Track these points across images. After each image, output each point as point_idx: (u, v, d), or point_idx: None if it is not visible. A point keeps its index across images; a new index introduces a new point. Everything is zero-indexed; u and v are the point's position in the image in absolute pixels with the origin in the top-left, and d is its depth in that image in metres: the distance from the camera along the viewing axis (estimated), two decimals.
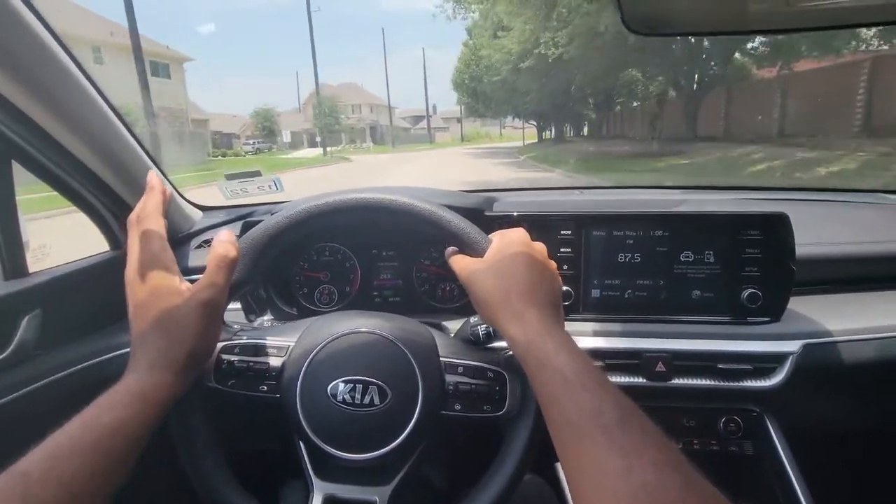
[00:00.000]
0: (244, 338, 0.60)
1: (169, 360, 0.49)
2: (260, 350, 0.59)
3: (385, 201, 0.61)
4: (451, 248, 0.62)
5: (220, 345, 0.58)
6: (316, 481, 0.56)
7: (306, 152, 33.46)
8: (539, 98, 21.17)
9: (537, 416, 0.56)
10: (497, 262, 0.55)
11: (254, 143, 36.85)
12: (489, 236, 0.59)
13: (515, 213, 0.86)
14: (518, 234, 0.57)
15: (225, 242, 0.55)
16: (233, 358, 0.58)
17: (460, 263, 0.59)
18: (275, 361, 0.58)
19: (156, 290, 0.51)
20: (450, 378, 0.58)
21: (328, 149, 31.57)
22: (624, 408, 0.41)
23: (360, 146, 41.12)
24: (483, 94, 30.58)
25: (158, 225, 0.55)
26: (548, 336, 0.48)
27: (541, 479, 0.83)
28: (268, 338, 0.60)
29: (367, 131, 50.22)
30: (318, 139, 37.58)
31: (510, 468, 0.55)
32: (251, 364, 0.58)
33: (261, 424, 0.66)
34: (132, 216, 0.56)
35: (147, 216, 0.56)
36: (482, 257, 0.57)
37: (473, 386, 0.57)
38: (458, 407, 0.57)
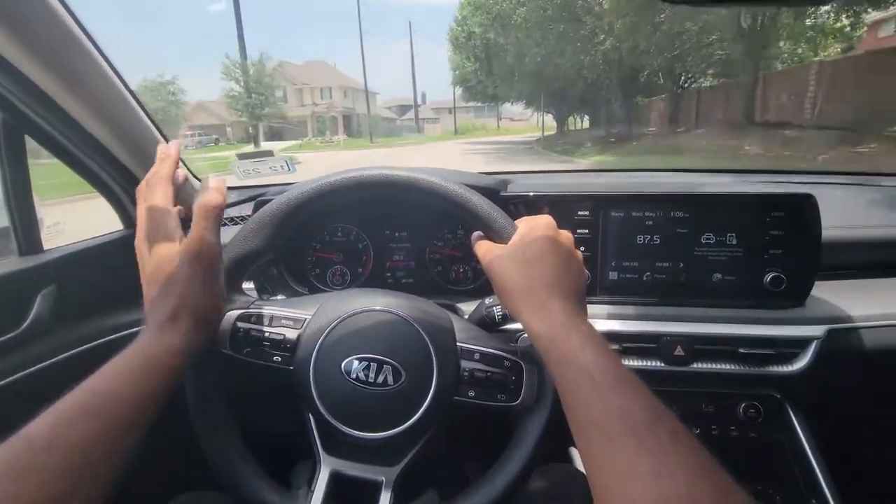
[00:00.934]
0: (262, 307, 0.59)
1: (173, 320, 0.48)
2: (276, 320, 0.58)
3: (413, 179, 0.59)
4: (476, 233, 0.60)
5: (236, 313, 0.58)
6: (324, 456, 0.56)
7: (263, 147, 23.33)
8: (576, 70, 16.20)
9: (552, 409, 0.55)
10: (522, 250, 0.53)
11: (193, 134, 28.11)
12: (515, 222, 0.57)
13: (532, 193, 0.84)
14: (545, 221, 0.55)
15: (211, 190, 0.53)
16: (248, 326, 0.57)
17: (484, 248, 0.57)
18: (290, 333, 0.57)
19: (159, 255, 0.51)
20: (465, 364, 0.57)
21: (279, 145, 25.61)
22: (654, 409, 0.39)
23: (329, 140, 32.34)
24: (496, 57, 22.01)
25: (164, 192, 0.54)
26: (572, 329, 0.46)
27: (573, 468, 0.82)
28: (285, 309, 0.59)
29: (338, 121, 40.32)
30: (276, 130, 31.15)
31: (520, 461, 0.54)
32: (267, 334, 0.57)
33: (272, 398, 0.66)
34: (140, 186, 0.55)
35: (155, 184, 0.54)
36: (506, 243, 0.55)
37: (489, 374, 0.56)
38: (471, 394, 0.56)
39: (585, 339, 0.45)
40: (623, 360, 0.76)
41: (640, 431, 0.37)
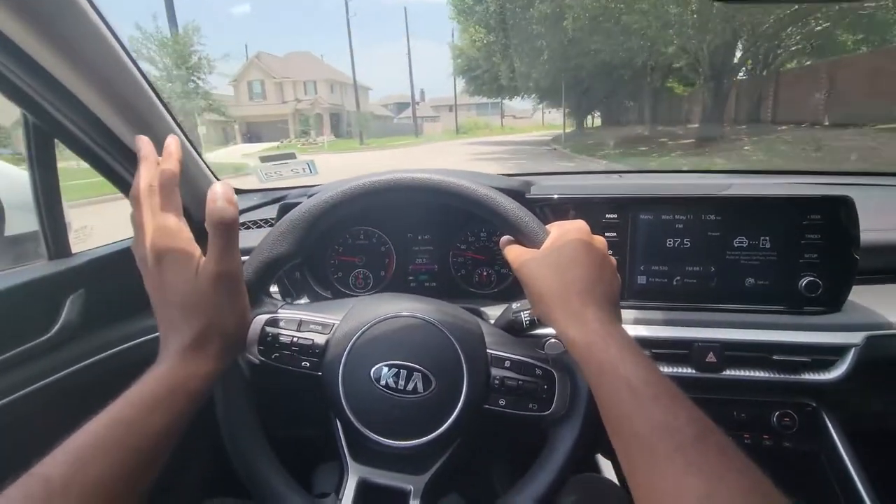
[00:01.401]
0: (290, 311, 0.58)
1: (200, 345, 0.46)
2: (304, 325, 0.58)
3: (444, 183, 0.58)
4: (506, 237, 0.59)
5: (264, 317, 0.57)
6: (351, 464, 0.55)
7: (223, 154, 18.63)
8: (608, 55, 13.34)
9: (585, 419, 0.53)
10: (555, 255, 0.52)
11: None
12: (546, 227, 0.56)
13: (556, 196, 0.83)
14: (578, 225, 0.54)
15: (222, 202, 0.47)
16: (277, 331, 0.57)
17: (515, 252, 0.56)
18: (319, 338, 0.57)
19: (176, 275, 0.47)
20: (496, 372, 0.56)
21: (252, 148, 20.82)
22: (701, 424, 0.37)
23: (313, 141, 27.99)
24: (516, 29, 16.69)
25: (173, 200, 0.49)
26: (609, 339, 0.44)
27: (606, 480, 0.80)
28: (313, 313, 0.59)
29: (324, 119, 35.14)
30: (254, 133, 28.09)
31: (551, 473, 0.53)
32: (296, 339, 0.57)
33: (299, 403, 0.66)
34: (139, 189, 0.49)
35: (160, 189, 0.48)
36: (538, 248, 0.54)
37: (520, 382, 0.55)
38: (502, 402, 0.55)
39: (623, 347, 0.44)
40: None
41: (686, 448, 0.36)
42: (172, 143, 0.53)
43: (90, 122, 0.72)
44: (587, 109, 25.02)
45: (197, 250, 0.49)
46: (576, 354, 0.46)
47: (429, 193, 0.59)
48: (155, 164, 0.51)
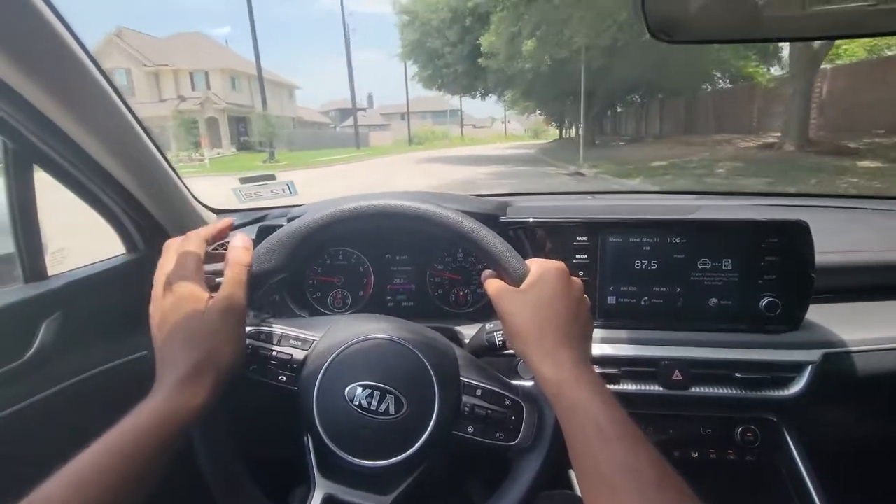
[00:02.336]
0: (270, 326, 0.59)
1: (196, 376, 0.47)
2: (285, 339, 0.58)
3: (429, 213, 0.59)
4: (488, 272, 0.61)
5: (246, 329, 0.58)
6: (319, 478, 0.56)
7: None
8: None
9: (550, 451, 0.55)
10: (534, 293, 0.54)
11: None
12: (527, 262, 0.58)
13: (531, 220, 0.85)
14: (557, 267, 0.56)
15: (239, 248, 0.55)
16: (258, 344, 0.58)
17: (494, 286, 0.57)
18: (298, 353, 0.58)
19: (185, 307, 0.50)
20: (466, 399, 0.57)
21: None
22: (661, 467, 0.40)
23: (193, 158, 19.67)
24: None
25: (199, 248, 0.55)
26: (581, 379, 0.47)
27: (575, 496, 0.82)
28: (293, 329, 0.60)
29: (220, 125, 25.30)
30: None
31: (512, 502, 0.54)
32: (275, 352, 0.57)
33: (273, 420, 0.66)
34: (172, 240, 0.56)
35: (191, 240, 0.55)
36: (518, 284, 0.56)
37: (489, 411, 0.56)
38: (470, 430, 0.56)
39: (593, 388, 0.46)
40: (621, 385, 0.79)
41: (647, 490, 0.38)
42: (225, 223, 0.60)
43: (67, 146, 0.73)
44: (573, 116, 20.75)
45: (206, 293, 0.52)
46: (547, 391, 0.49)
47: (411, 221, 0.60)
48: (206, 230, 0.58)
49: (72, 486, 0.39)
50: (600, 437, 0.42)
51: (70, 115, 0.71)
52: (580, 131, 17.81)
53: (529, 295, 0.54)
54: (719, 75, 16.84)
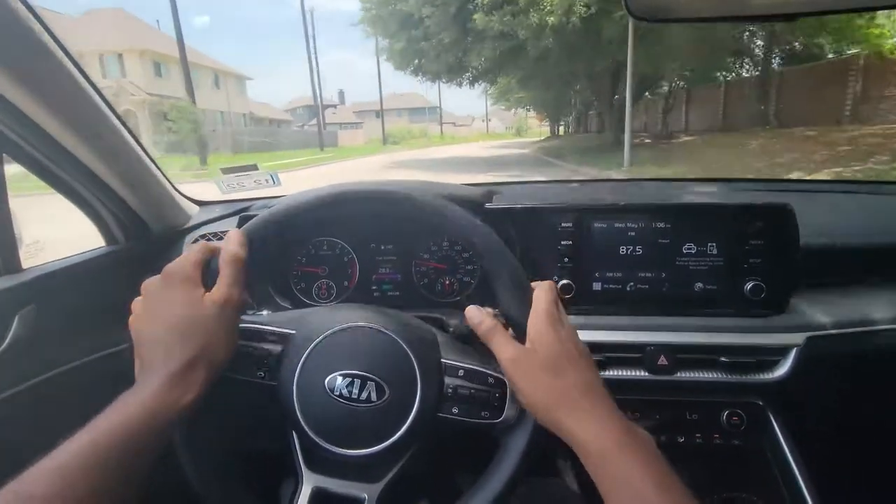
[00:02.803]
0: (245, 322, 0.58)
1: (188, 371, 0.46)
2: (260, 335, 0.58)
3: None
4: (471, 310, 0.57)
5: None
6: (306, 472, 0.55)
7: None
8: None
9: (536, 426, 0.54)
10: (546, 355, 0.50)
11: None
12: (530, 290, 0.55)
13: (516, 206, 0.85)
14: (545, 310, 0.52)
15: (235, 243, 0.54)
16: None
17: (503, 349, 0.52)
18: (274, 348, 0.57)
19: (176, 298, 0.50)
20: (449, 381, 0.56)
21: None
22: None
23: None
24: None
25: (203, 250, 0.54)
26: (626, 444, 0.44)
27: (564, 484, 0.82)
28: (269, 324, 0.59)
29: (138, 119, 19.30)
30: None
31: (501, 479, 0.53)
32: (251, 349, 0.56)
33: (260, 416, 0.65)
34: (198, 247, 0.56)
35: (199, 248, 0.54)
36: (518, 325, 0.53)
37: (473, 391, 0.56)
38: (455, 410, 0.55)
39: (646, 462, 0.43)
40: (607, 371, 0.78)
41: None
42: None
43: (39, 137, 0.71)
44: (585, 103, 17.96)
45: (202, 289, 0.52)
46: (588, 460, 0.45)
47: (398, 209, 0.59)
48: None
49: (55, 480, 0.37)
50: None
51: (41, 106, 0.69)
52: (590, 126, 16.05)
53: (542, 359, 0.50)
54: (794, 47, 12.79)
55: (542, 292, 0.54)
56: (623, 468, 0.42)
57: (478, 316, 0.55)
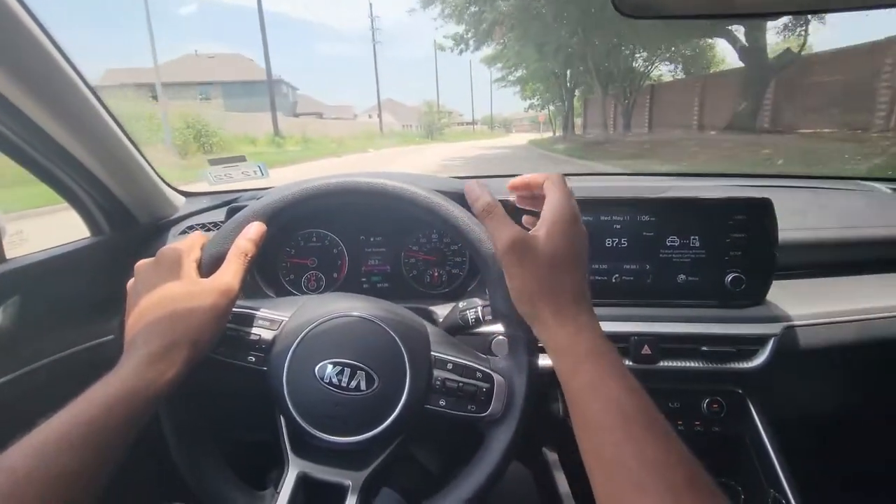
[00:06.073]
0: (238, 307, 0.59)
1: (170, 349, 0.47)
2: (253, 321, 0.58)
3: (399, 190, 0.59)
4: (484, 201, 0.53)
5: None
6: (292, 457, 0.56)
7: None
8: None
9: (520, 422, 0.56)
10: (550, 242, 0.47)
11: None
12: (544, 181, 0.52)
13: (503, 199, 0.85)
14: (574, 212, 0.49)
15: (251, 238, 0.56)
16: (226, 325, 0.57)
17: (503, 230, 0.49)
18: (266, 334, 0.57)
19: (164, 277, 0.51)
20: (438, 373, 0.57)
21: None
22: (691, 465, 0.37)
23: None
24: None
25: (201, 241, 0.57)
26: (605, 354, 0.44)
27: (523, 468, 0.83)
28: (262, 310, 0.59)
29: None
30: None
31: (484, 472, 0.55)
32: (242, 333, 0.57)
33: (247, 403, 0.66)
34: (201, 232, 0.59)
35: (200, 237, 0.57)
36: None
37: (461, 384, 0.57)
38: (442, 403, 0.57)
39: (615, 367, 0.42)
40: None
41: (679, 491, 0.35)
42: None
43: (21, 124, 0.70)
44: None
45: (195, 269, 0.53)
46: (561, 364, 0.44)
47: (378, 198, 0.60)
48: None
49: (36, 454, 0.38)
50: (626, 426, 0.38)
51: (27, 95, 0.68)
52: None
53: (547, 246, 0.47)
54: None
55: (557, 182, 0.52)
56: (596, 373, 0.42)
57: (476, 191, 0.53)
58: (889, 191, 1.21)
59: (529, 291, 0.47)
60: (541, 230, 0.48)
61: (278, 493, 0.54)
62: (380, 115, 37.11)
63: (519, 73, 21.82)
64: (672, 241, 0.82)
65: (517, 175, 0.59)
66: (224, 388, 0.61)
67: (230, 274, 0.53)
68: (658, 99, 15.74)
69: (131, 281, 0.53)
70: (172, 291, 0.50)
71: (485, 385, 0.57)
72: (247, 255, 0.55)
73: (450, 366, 0.58)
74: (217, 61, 31.30)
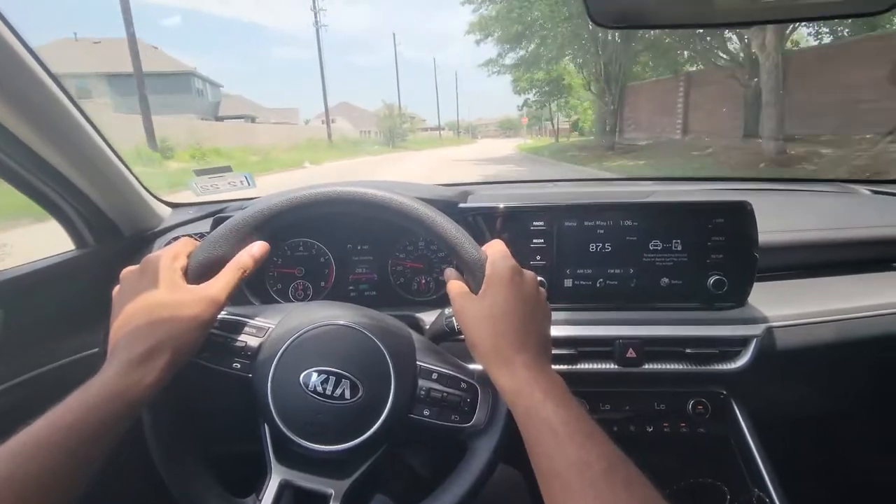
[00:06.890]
0: (225, 313, 0.59)
1: (151, 355, 0.47)
2: (239, 327, 0.58)
3: (386, 200, 0.59)
4: (449, 270, 0.62)
5: None
6: (275, 465, 0.56)
7: None
8: None
9: (503, 433, 0.56)
10: (489, 304, 0.54)
11: None
12: (483, 248, 0.58)
13: (489, 206, 0.87)
14: (508, 267, 0.55)
15: (251, 255, 0.58)
16: (211, 331, 0.57)
17: (458, 299, 0.57)
18: (252, 341, 0.57)
19: (148, 284, 0.51)
20: (423, 383, 0.58)
21: None
22: (610, 458, 0.42)
23: None
24: None
25: (188, 247, 0.57)
26: (535, 384, 0.48)
27: (514, 470, 0.84)
28: (248, 317, 0.59)
29: None
30: None
31: (466, 483, 0.55)
32: (229, 339, 0.57)
33: (233, 412, 0.65)
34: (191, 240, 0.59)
35: (187, 242, 0.58)
36: (476, 274, 0.56)
37: (445, 394, 0.57)
38: (426, 413, 0.57)
39: (547, 392, 0.47)
40: (578, 364, 0.81)
41: (597, 483, 0.40)
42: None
43: (3, 137, 0.70)
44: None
45: (182, 278, 0.54)
46: (507, 399, 0.50)
47: (374, 210, 0.60)
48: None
49: (14, 458, 0.38)
50: (554, 438, 0.44)
51: (7, 106, 0.68)
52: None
53: (485, 304, 0.54)
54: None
55: (496, 245, 0.58)
56: (532, 400, 0.47)
57: (447, 273, 0.61)
58: (868, 193, 1.24)
59: (475, 346, 0.53)
60: (483, 289, 0.55)
61: (260, 501, 0.54)
62: (328, 120, 30.44)
63: (521, 54, 16.12)
64: (655, 245, 0.84)
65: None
66: (208, 394, 0.61)
67: (220, 285, 0.54)
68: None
69: (116, 288, 0.53)
70: (156, 298, 0.50)
71: (469, 395, 0.58)
72: (244, 271, 0.56)
73: (434, 375, 0.58)
74: (104, 47, 23.66)
